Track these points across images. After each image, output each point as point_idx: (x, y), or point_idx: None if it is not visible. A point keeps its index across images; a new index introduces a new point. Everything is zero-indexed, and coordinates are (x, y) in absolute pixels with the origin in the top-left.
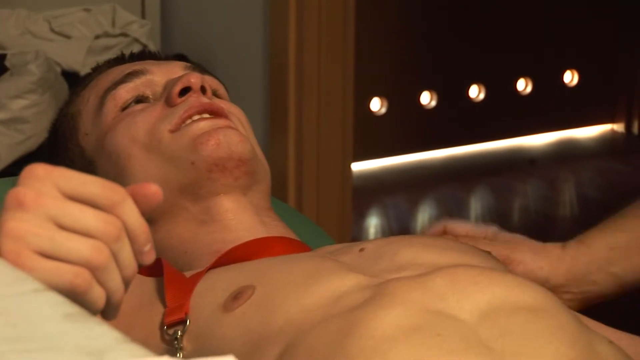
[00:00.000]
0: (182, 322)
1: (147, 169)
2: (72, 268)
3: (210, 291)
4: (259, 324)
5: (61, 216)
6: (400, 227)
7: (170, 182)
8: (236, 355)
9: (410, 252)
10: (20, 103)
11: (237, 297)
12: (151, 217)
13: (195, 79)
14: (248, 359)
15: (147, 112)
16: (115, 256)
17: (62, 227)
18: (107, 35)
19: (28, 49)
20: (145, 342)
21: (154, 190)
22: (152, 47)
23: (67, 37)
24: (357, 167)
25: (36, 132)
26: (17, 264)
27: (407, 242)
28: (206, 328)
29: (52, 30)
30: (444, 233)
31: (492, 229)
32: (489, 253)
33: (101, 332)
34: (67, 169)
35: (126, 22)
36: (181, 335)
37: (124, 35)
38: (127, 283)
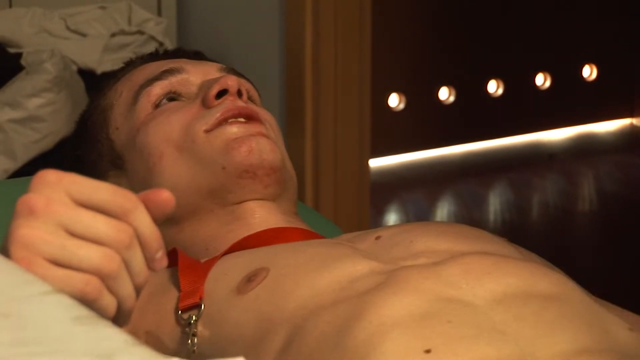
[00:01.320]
0: (197, 306)
1: (178, 169)
2: (83, 276)
3: (224, 275)
4: (271, 307)
5: (72, 223)
6: None
7: (199, 185)
8: (249, 338)
9: (426, 240)
10: (36, 102)
11: (250, 279)
12: (176, 217)
13: (232, 82)
14: (260, 342)
15: (183, 111)
16: (126, 264)
17: (73, 234)
18: (123, 33)
19: (44, 47)
20: (157, 328)
21: (166, 197)
22: (168, 44)
23: (83, 35)
24: (376, 163)
25: (52, 131)
26: (28, 271)
27: (423, 229)
28: (219, 312)
29: (67, 28)
30: None
31: None
32: (506, 239)
33: (111, 335)
34: (79, 175)
35: (142, 20)
36: (195, 320)
37: (140, 32)
38: (138, 290)
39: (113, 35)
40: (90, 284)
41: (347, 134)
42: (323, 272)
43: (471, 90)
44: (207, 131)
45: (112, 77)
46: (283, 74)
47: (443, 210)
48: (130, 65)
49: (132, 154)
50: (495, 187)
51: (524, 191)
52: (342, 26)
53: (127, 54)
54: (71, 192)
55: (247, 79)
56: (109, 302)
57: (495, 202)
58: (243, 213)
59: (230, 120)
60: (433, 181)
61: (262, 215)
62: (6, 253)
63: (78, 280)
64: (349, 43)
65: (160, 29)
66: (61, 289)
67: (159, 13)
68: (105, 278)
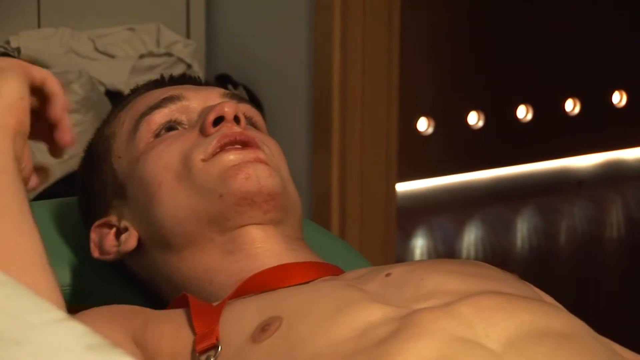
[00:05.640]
0: (214, 347)
1: (176, 198)
2: None
3: (239, 321)
4: (286, 357)
5: None
6: (446, 248)
7: (198, 213)
8: None
9: (435, 279)
10: None
11: (264, 329)
12: (177, 246)
13: (229, 109)
14: None
15: (181, 140)
16: None
17: None
18: (151, 54)
19: (72, 67)
20: None
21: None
22: (197, 67)
23: (111, 56)
24: (404, 187)
25: (78, 152)
26: None
27: (432, 268)
28: (236, 359)
29: (96, 49)
30: None
31: None
32: (516, 275)
33: None
34: None
35: (171, 42)
36: None
37: (169, 54)
38: None
39: (141, 56)
40: None
41: (374, 157)
42: (337, 320)
43: (500, 115)
44: (205, 160)
45: (117, 105)
46: (311, 96)
47: (470, 235)
48: (135, 92)
49: (133, 183)
50: (523, 212)
51: (552, 217)
52: (370, 49)
53: (155, 76)
54: None
55: (252, 104)
56: None
57: (523, 228)
58: (243, 241)
59: (227, 148)
60: (461, 206)
61: (263, 244)
62: None
63: None
64: (376, 67)
65: (188, 51)
66: None
67: (188, 35)
68: None
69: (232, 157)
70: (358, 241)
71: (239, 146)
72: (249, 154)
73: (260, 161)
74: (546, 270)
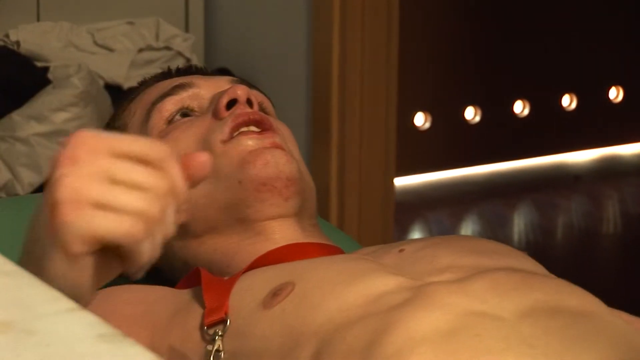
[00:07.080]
0: (222, 321)
1: None
2: (130, 217)
3: (249, 290)
4: (298, 321)
5: (115, 171)
6: None
7: (217, 199)
8: (275, 352)
9: (449, 255)
10: (62, 116)
11: (276, 293)
12: (197, 231)
13: (241, 91)
14: (287, 355)
15: (196, 125)
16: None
17: (116, 181)
18: (150, 48)
19: (71, 61)
20: (181, 344)
21: (203, 160)
22: (196, 60)
23: (110, 50)
24: (401, 182)
25: None
26: (76, 214)
27: (445, 244)
28: (245, 326)
29: (95, 43)
30: None
31: None
32: (525, 254)
33: (135, 353)
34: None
35: (170, 36)
36: (221, 335)
37: (168, 48)
38: (164, 241)
39: (140, 50)
40: (135, 226)
41: (373, 152)
42: (350, 287)
43: (497, 111)
44: (224, 141)
45: (125, 98)
46: (310, 90)
47: (467, 230)
48: (143, 84)
49: None
50: (520, 208)
51: (549, 212)
52: (368, 46)
53: (154, 70)
54: (110, 144)
55: (261, 91)
56: (148, 246)
57: (519, 223)
58: (263, 230)
59: (243, 130)
60: (457, 201)
61: (281, 231)
62: (49, 203)
63: (125, 221)
64: (376, 62)
65: (187, 45)
66: (107, 230)
67: (187, 29)
68: (148, 222)
69: (250, 142)
70: (356, 235)
71: (254, 128)
72: (266, 139)
73: (277, 146)
74: (542, 265)
